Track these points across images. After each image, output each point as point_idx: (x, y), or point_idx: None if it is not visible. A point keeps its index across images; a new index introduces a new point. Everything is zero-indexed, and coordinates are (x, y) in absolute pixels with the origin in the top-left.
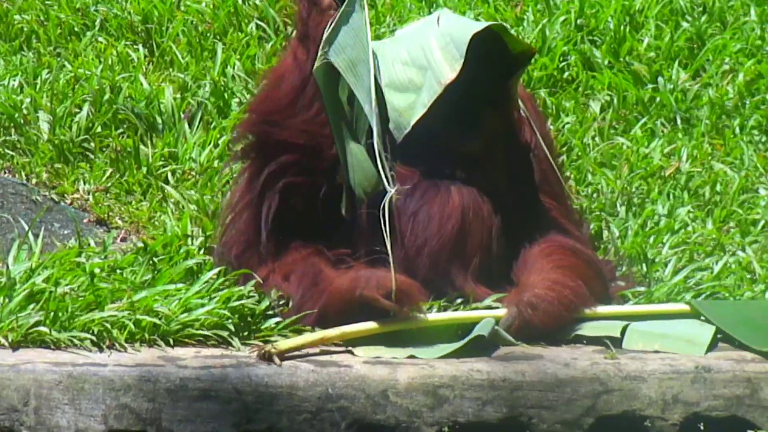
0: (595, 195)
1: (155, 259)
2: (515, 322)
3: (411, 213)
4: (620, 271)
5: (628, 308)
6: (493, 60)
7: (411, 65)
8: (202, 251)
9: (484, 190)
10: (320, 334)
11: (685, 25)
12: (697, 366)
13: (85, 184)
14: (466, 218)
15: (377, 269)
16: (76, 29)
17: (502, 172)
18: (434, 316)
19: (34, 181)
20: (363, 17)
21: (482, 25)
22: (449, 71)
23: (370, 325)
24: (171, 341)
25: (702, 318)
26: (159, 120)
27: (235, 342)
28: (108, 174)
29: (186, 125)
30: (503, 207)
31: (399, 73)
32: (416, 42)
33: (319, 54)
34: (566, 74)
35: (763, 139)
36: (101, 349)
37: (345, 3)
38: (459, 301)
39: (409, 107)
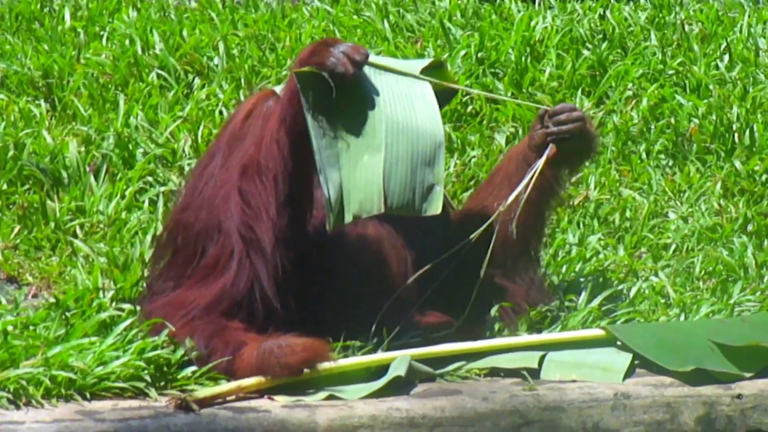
0: None
1: (68, 314)
2: None
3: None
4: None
5: (543, 337)
6: None
7: None
8: (113, 303)
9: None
10: (237, 383)
11: (586, 53)
12: (615, 393)
13: None
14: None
15: (281, 336)
16: None
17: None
18: (350, 360)
19: None
20: None
21: (425, 61)
22: None
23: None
24: (88, 395)
25: (618, 344)
26: (64, 174)
27: (152, 393)
28: (16, 231)
29: (92, 178)
30: (418, 244)
31: None
32: None
33: None
34: (470, 108)
35: (670, 163)
36: (18, 407)
37: None
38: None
39: None
